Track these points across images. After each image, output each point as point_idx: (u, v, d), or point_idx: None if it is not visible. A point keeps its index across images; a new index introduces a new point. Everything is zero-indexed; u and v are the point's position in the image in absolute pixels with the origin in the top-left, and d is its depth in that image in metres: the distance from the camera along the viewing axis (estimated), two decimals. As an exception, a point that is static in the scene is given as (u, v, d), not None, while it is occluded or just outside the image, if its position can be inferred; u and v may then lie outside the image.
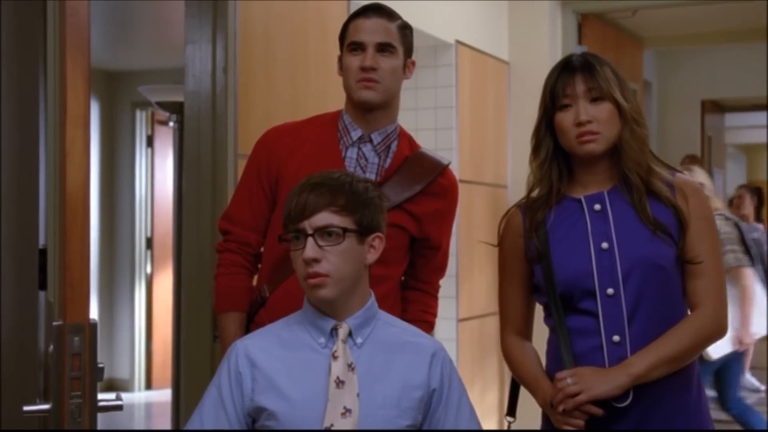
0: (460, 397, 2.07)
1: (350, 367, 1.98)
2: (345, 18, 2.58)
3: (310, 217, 1.97)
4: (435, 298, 2.64)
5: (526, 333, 2.32)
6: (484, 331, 5.14)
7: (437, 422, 2.04)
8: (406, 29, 2.50)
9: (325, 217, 1.98)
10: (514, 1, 5.52)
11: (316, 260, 1.96)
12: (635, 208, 2.17)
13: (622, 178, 2.20)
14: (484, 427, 2.12)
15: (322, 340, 2.01)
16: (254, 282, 2.55)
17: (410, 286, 2.59)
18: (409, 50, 2.51)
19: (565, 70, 2.20)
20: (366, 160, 2.48)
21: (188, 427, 2.05)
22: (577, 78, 2.17)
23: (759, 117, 10.89)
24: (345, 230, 1.98)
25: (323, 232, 1.97)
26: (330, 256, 1.97)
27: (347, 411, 1.93)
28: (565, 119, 2.18)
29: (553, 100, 2.20)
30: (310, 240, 1.97)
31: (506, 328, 2.31)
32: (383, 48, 2.43)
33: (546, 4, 5.48)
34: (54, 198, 1.82)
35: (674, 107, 9.50)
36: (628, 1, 5.83)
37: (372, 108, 2.46)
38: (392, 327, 2.09)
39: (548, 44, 5.45)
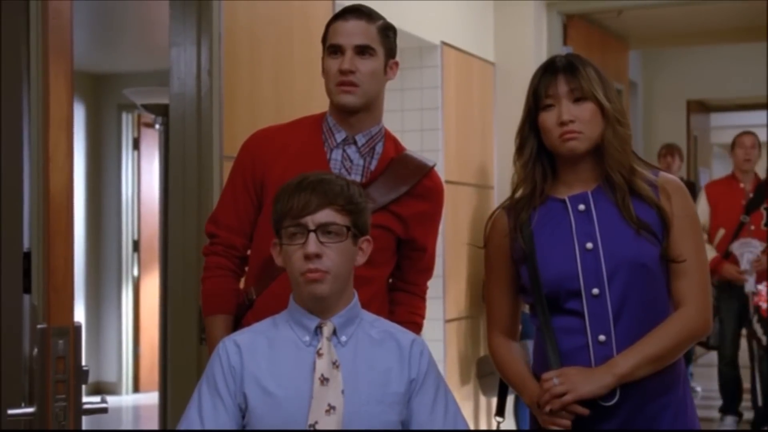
0: (437, 384, 2.09)
1: (335, 364, 1.99)
2: (330, 19, 2.57)
3: (313, 214, 1.99)
4: (422, 299, 2.64)
5: (513, 333, 2.33)
6: (471, 332, 5.15)
7: (417, 406, 2.04)
8: (387, 30, 2.48)
9: (328, 215, 2.00)
10: (500, 2, 5.53)
11: (317, 255, 1.97)
12: (619, 208, 2.18)
13: (605, 178, 2.21)
14: (474, 428, 2.12)
15: (307, 338, 2.03)
16: (241, 285, 2.55)
17: (397, 288, 2.59)
18: (391, 51, 2.49)
19: (548, 70, 2.21)
20: (351, 161, 2.47)
21: (185, 423, 2.03)
22: (559, 78, 2.19)
23: (744, 116, 10.92)
24: (347, 228, 2.01)
25: (324, 229, 1.99)
26: (330, 253, 1.99)
27: (331, 408, 1.95)
28: (548, 119, 2.19)
29: (536, 100, 2.21)
30: (312, 235, 1.99)
31: (493, 328, 2.32)
32: (362, 50, 2.41)
33: (531, 5, 5.49)
34: (38, 201, 1.81)
35: (660, 107, 9.53)
36: (613, 2, 5.85)
37: (353, 111, 2.45)
38: (375, 326, 2.11)
39: (534, 45, 5.47)
